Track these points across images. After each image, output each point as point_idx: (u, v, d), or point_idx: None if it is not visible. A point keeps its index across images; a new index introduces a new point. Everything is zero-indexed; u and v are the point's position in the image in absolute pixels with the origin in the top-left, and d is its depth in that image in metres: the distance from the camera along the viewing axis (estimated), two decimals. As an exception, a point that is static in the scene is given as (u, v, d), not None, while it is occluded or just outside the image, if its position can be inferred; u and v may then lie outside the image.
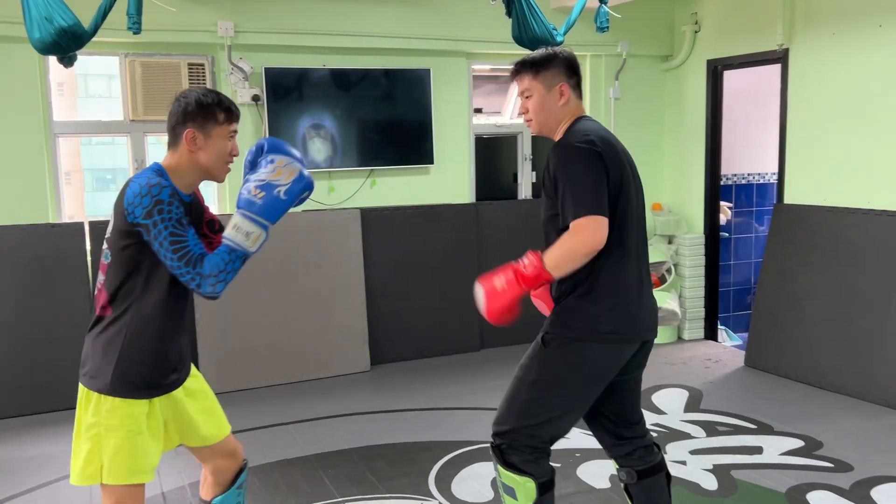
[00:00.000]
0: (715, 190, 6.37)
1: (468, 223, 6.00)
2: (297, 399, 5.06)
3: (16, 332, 4.78)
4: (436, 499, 3.58)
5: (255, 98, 5.33)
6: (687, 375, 5.43)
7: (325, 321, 5.49)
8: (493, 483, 3.62)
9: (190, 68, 5.21)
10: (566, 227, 2.38)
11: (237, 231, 2.24)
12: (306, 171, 2.34)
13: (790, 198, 5.58)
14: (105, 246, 2.31)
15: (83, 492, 3.61)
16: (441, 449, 4.14)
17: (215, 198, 5.57)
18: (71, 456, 2.34)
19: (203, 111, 2.29)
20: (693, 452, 4.06)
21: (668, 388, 5.13)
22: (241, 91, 5.30)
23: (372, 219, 5.67)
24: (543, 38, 4.40)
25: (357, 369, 5.59)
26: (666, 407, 4.78)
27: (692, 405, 4.82)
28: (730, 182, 6.82)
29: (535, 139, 6.44)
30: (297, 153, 2.39)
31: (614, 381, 2.57)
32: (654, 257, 6.27)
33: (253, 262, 5.33)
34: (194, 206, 2.42)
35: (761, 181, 6.99)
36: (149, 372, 2.31)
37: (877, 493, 3.56)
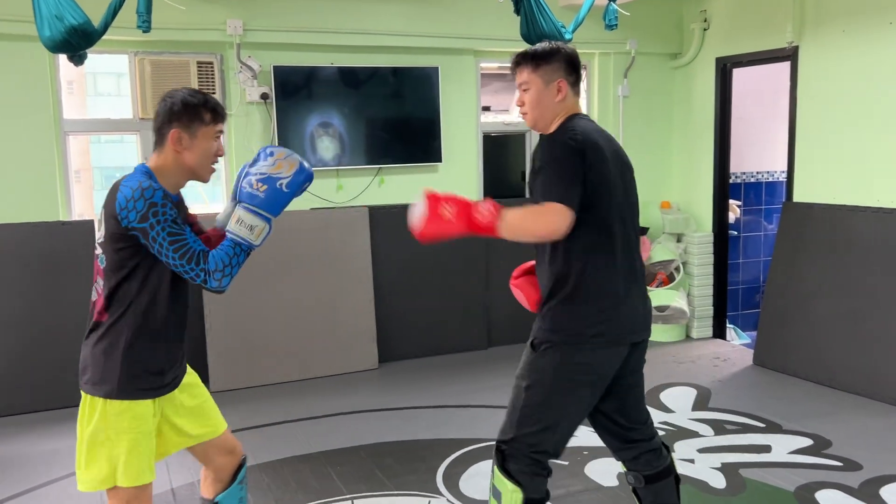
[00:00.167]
0: (724, 188, 6.35)
1: (476, 221, 5.98)
2: (305, 396, 5.07)
3: (26, 329, 4.81)
4: (444, 496, 3.59)
5: (264, 96, 5.34)
6: (695, 374, 5.42)
7: (333, 319, 5.51)
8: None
9: (199, 66, 5.22)
10: None
11: (241, 225, 2.25)
12: (306, 163, 2.36)
13: (799, 196, 5.56)
14: (99, 250, 2.30)
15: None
16: (449, 446, 4.15)
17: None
18: (76, 462, 2.34)
19: (189, 111, 2.29)
20: (701, 451, 4.05)
21: (676, 387, 5.12)
22: (249, 89, 5.31)
23: (380, 217, 5.67)
24: (552, 35, 4.39)
25: (365, 367, 5.60)
26: (674, 405, 4.77)
27: (700, 404, 4.81)
28: (739, 180, 6.80)
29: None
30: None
31: (614, 381, 2.55)
32: (662, 255, 6.26)
33: (262, 261, 5.37)
34: (181, 207, 2.43)
35: (770, 179, 6.97)
36: (153, 372, 2.32)
37: (886, 492, 3.55)
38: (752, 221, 6.98)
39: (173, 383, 2.41)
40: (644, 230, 6.09)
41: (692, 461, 3.92)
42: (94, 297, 2.34)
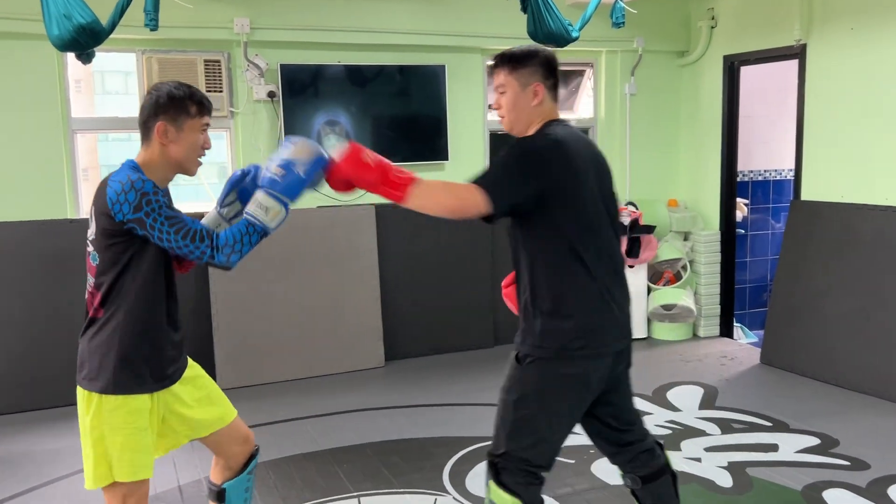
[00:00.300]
0: (731, 186, 6.33)
1: (483, 219, 5.98)
2: (311, 394, 5.08)
3: (33, 327, 4.83)
4: (450, 494, 3.59)
5: (271, 94, 5.35)
6: (702, 372, 5.41)
7: (339, 317, 5.51)
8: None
9: (206, 65, 5.23)
10: (526, 233, 2.38)
11: (258, 207, 2.30)
12: (324, 152, 2.38)
13: (807, 194, 5.55)
14: (90, 248, 2.32)
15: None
16: (455, 444, 4.15)
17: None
18: (83, 459, 2.36)
19: (175, 104, 2.29)
20: (708, 449, 4.05)
21: (683, 385, 5.11)
22: (256, 87, 5.32)
23: (386, 215, 5.67)
24: (559, 33, 4.39)
25: (371, 365, 5.61)
26: (681, 404, 4.76)
27: (707, 402, 4.80)
28: (746, 178, 6.78)
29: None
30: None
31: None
32: (669, 254, 6.25)
33: (269, 258, 5.37)
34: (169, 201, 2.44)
35: (778, 178, 6.94)
36: (148, 366, 2.33)
37: (894, 491, 3.54)
38: (760, 220, 6.96)
39: (172, 377, 2.41)
40: (651, 228, 6.08)
41: (699, 460, 3.91)
42: (87, 293, 2.36)
